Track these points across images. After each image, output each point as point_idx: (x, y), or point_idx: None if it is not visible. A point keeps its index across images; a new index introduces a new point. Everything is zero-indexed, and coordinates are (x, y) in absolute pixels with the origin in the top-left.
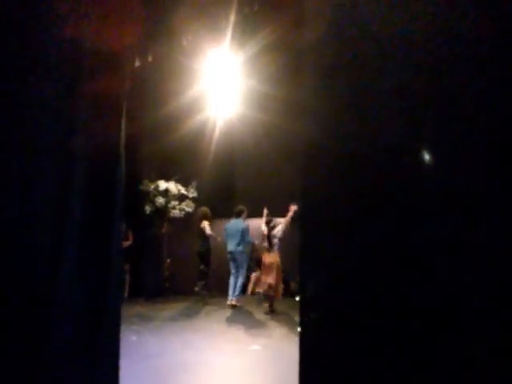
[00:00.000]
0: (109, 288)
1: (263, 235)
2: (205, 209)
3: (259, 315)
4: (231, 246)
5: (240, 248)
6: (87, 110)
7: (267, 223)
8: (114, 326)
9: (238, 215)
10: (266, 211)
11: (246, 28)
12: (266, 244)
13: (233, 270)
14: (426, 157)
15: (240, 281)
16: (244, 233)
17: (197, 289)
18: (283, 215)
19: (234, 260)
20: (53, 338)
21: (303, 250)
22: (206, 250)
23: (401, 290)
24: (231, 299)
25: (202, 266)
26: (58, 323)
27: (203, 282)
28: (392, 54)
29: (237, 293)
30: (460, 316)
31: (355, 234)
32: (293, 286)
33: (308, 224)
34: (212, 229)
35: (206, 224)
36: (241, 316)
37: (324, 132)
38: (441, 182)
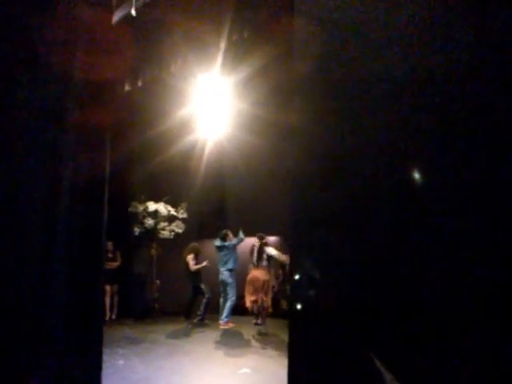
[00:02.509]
0: (94, 302)
1: (253, 246)
2: (195, 245)
3: (248, 337)
4: (220, 268)
5: (225, 271)
6: (74, 137)
7: (260, 238)
8: (96, 329)
9: (223, 239)
10: (256, 242)
11: (236, 52)
12: (254, 259)
13: (221, 292)
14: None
15: (228, 303)
16: (231, 246)
17: (200, 316)
18: (273, 234)
19: (224, 282)
20: (38, 338)
21: (294, 266)
22: (197, 283)
23: (394, 288)
24: (220, 322)
25: (206, 296)
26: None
27: (203, 310)
28: (388, 76)
29: (224, 315)
30: (454, 316)
31: (345, 247)
32: (284, 304)
33: (298, 240)
34: (199, 258)
35: (189, 258)
36: (230, 338)
37: (312, 153)
38: (437, 187)
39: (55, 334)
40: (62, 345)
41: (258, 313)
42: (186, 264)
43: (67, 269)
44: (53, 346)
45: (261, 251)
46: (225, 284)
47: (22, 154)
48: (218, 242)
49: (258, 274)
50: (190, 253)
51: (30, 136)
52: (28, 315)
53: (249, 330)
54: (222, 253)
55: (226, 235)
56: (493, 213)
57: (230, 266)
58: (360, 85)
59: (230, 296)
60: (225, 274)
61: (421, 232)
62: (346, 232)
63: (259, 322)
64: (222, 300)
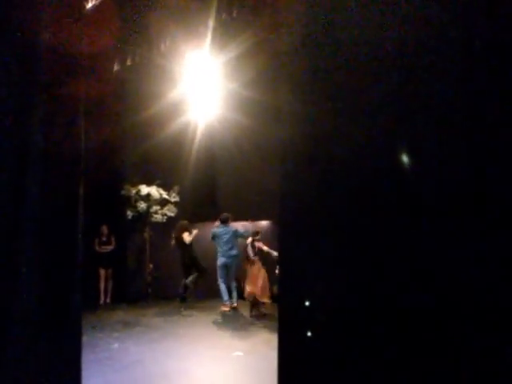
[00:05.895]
0: (70, 288)
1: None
2: (184, 222)
3: (241, 320)
4: (225, 253)
5: (234, 252)
6: (46, 111)
7: (254, 234)
8: (75, 327)
9: (225, 222)
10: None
11: (226, 32)
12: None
13: (223, 276)
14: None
15: (235, 283)
16: (238, 234)
17: (188, 280)
18: (265, 218)
19: (230, 266)
20: (11, 337)
21: (282, 253)
22: (193, 259)
23: (391, 290)
24: (231, 302)
25: (189, 278)
26: (17, 322)
27: (195, 276)
28: (378, 57)
29: (235, 293)
30: (453, 318)
31: (334, 236)
32: (274, 289)
33: (287, 227)
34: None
35: (185, 235)
36: (223, 321)
37: (302, 134)
38: (429, 184)
39: (27, 318)
40: (37, 329)
41: (254, 304)
42: (181, 241)
43: (38, 247)
44: (26, 330)
45: (253, 246)
46: (231, 267)
47: None
48: (220, 227)
49: (253, 268)
50: (184, 231)
51: None
52: None
53: (242, 313)
54: (229, 236)
55: (228, 218)
56: (493, 215)
57: (235, 252)
58: (348, 63)
59: (234, 277)
60: (234, 258)
61: (418, 234)
62: (338, 226)
63: (253, 313)
64: (223, 284)
